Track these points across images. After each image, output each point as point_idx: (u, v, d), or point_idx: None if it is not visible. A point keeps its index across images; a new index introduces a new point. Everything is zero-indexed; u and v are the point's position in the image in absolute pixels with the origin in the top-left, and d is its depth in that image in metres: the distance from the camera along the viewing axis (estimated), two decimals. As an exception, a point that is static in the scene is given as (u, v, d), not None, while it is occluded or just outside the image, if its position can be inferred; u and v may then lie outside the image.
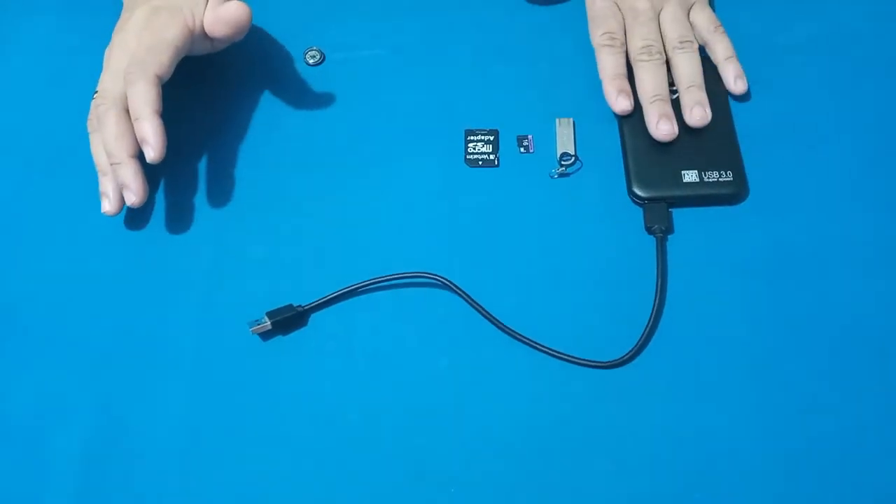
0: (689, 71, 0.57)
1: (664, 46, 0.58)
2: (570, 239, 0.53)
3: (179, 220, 0.55)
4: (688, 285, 0.51)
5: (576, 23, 0.62)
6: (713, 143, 0.56)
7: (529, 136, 0.58)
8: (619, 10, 0.60)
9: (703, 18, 0.59)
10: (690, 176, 0.54)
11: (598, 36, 0.59)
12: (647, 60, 0.57)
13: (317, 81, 0.61)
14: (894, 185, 0.55)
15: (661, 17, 0.59)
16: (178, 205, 0.56)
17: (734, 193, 0.54)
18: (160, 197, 0.56)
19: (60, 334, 0.52)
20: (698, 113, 0.56)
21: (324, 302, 0.51)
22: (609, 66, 0.58)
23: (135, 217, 0.55)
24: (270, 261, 0.54)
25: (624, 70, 0.58)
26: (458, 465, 0.47)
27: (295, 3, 0.65)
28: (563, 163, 0.56)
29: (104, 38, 0.56)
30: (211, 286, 0.53)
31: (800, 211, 0.54)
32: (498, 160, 0.57)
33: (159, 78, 0.52)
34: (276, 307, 0.51)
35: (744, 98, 0.58)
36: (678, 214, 0.54)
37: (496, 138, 0.58)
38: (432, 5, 0.64)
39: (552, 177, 0.56)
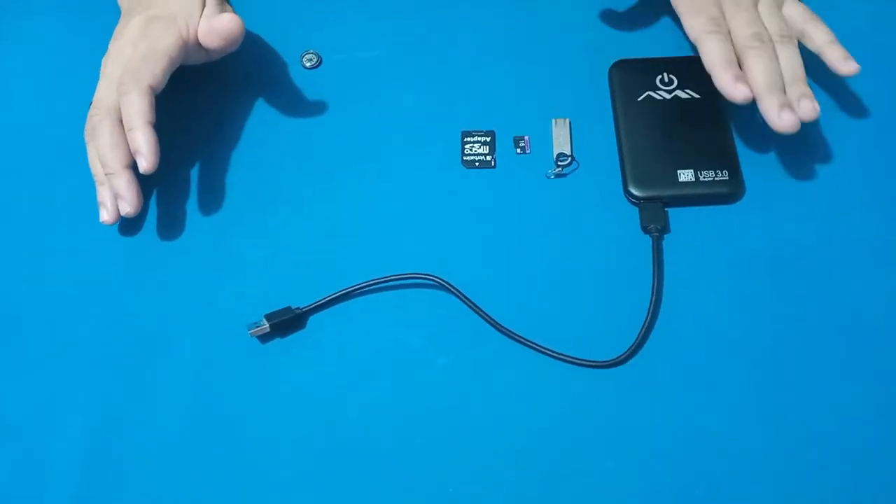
0: (793, 63, 0.54)
1: None
2: (566, 239, 0.54)
3: (178, 223, 0.56)
4: (684, 284, 0.52)
5: (572, 23, 0.62)
6: (709, 142, 0.55)
7: (526, 137, 0.58)
8: None
9: (798, 10, 0.57)
10: (686, 175, 0.54)
11: (699, 23, 0.55)
12: (760, 47, 0.53)
13: (313, 84, 0.61)
14: (891, 183, 0.55)
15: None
16: (178, 208, 0.56)
17: (730, 193, 0.54)
18: (160, 201, 0.57)
19: (61, 339, 0.52)
20: (807, 105, 0.52)
21: (322, 304, 0.52)
22: (718, 53, 0.53)
23: (134, 221, 0.56)
24: (268, 263, 0.54)
25: (735, 56, 0.54)
26: (455, 466, 0.47)
27: (291, 7, 0.65)
28: (559, 163, 0.56)
29: (104, 39, 0.57)
30: (209, 289, 0.53)
31: (796, 210, 0.54)
32: (494, 161, 0.57)
33: (152, 88, 0.52)
34: (274, 309, 0.51)
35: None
36: (674, 214, 0.54)
37: (493, 139, 0.58)
38: (428, 7, 0.64)
39: (549, 177, 0.56)
